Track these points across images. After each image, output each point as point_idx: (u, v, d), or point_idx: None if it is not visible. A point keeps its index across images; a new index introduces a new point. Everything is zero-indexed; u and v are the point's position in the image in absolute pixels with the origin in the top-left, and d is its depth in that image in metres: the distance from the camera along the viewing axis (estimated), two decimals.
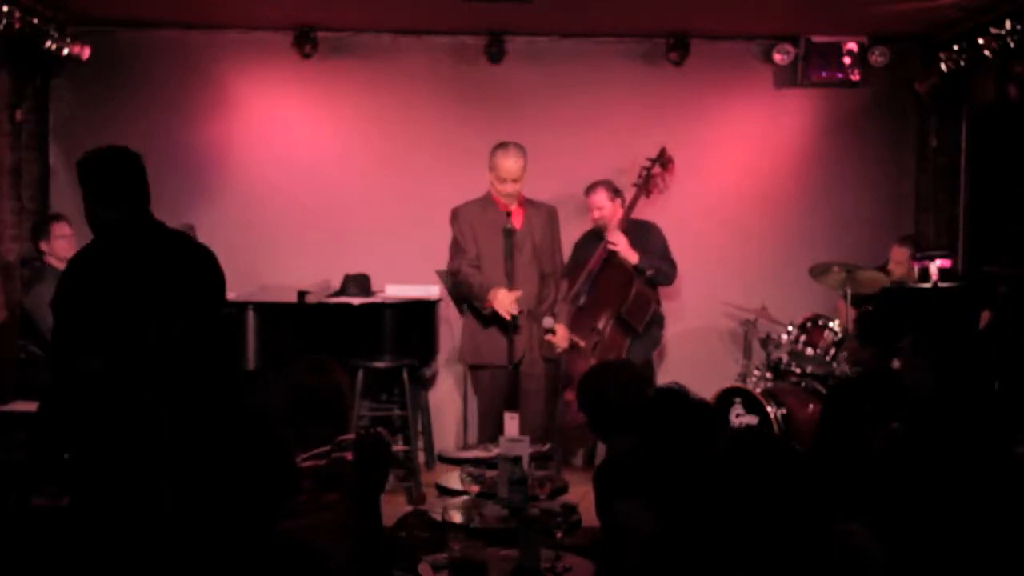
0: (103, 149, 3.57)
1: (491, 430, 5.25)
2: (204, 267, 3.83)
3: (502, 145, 5.38)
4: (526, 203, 5.49)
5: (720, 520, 2.51)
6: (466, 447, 5.36)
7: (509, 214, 5.24)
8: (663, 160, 6.46)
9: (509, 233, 5.19)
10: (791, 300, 6.56)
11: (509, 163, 5.32)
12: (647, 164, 6.44)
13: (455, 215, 5.47)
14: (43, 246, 5.96)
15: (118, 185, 3.53)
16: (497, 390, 5.35)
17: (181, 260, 3.69)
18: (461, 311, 6.07)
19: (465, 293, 5.45)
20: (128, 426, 3.32)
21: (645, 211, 6.44)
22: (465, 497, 3.95)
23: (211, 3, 6.36)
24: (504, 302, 5.16)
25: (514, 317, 5.16)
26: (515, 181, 5.33)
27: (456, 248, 5.46)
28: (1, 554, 3.71)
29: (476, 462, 4.29)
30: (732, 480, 2.48)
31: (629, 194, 6.35)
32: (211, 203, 6.84)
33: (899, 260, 6.27)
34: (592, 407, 3.75)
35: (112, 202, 3.51)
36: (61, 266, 5.81)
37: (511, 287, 5.16)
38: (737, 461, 2.52)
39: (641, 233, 6.21)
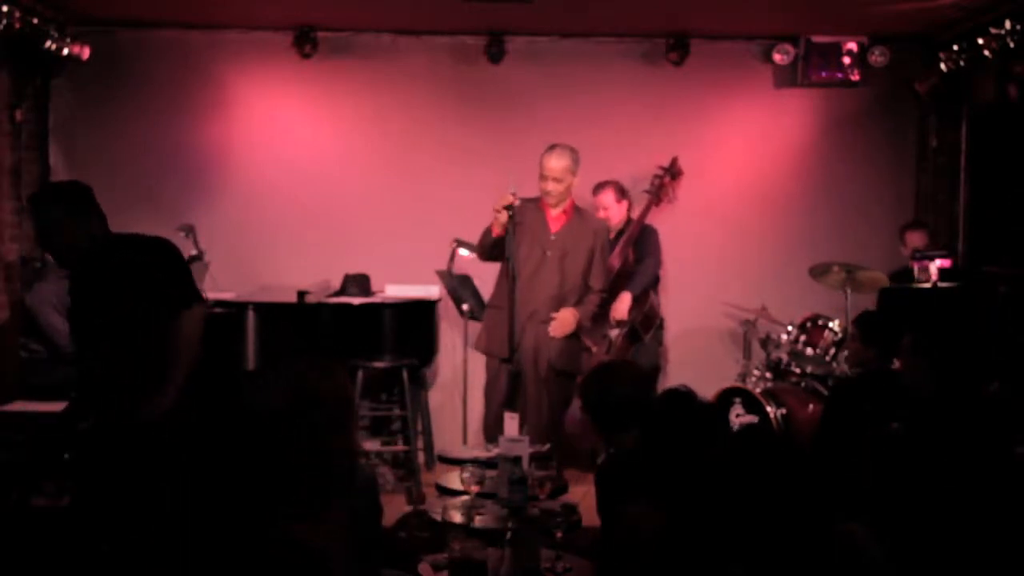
0: (62, 183, 4.17)
1: (491, 421, 5.27)
2: None
3: (552, 145, 5.44)
4: (575, 211, 5.51)
5: (724, 519, 2.52)
6: (466, 447, 5.37)
7: (513, 215, 5.15)
8: (673, 171, 6.53)
9: (510, 232, 5.16)
10: (791, 300, 6.56)
11: (550, 161, 5.39)
12: (659, 173, 6.50)
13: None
14: None
15: (95, 205, 3.91)
16: (496, 381, 5.40)
17: None
18: (461, 311, 6.08)
19: (486, 243, 5.36)
20: (128, 426, 3.32)
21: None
22: (465, 497, 3.95)
23: (211, 3, 6.36)
24: (501, 199, 5.13)
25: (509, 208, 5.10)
26: (556, 180, 5.38)
27: None
28: (1, 554, 3.71)
29: (476, 462, 4.29)
30: (735, 479, 2.48)
31: (640, 201, 6.40)
32: (211, 203, 6.84)
33: (917, 245, 6.33)
34: (594, 407, 3.75)
35: (101, 218, 3.89)
36: None
37: (513, 288, 5.13)
38: (740, 460, 2.52)
39: (641, 236, 6.26)
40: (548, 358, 5.42)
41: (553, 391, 5.47)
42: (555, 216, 5.48)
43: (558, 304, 5.45)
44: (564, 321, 5.43)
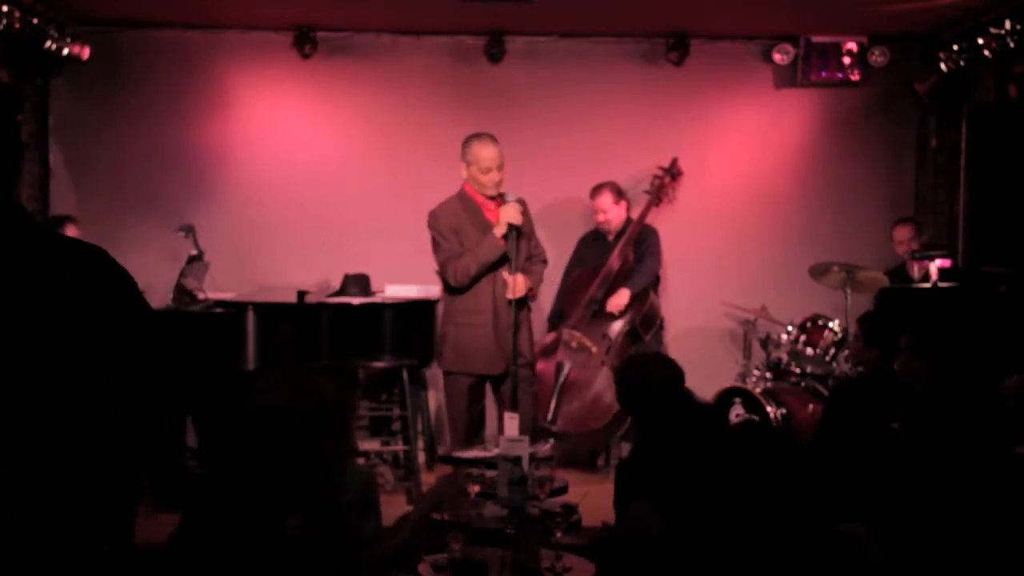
0: None
1: (468, 436, 5.20)
2: None
3: (476, 136, 5.26)
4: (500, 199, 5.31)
5: (724, 519, 2.51)
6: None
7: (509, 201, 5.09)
8: (673, 171, 6.54)
9: (516, 229, 5.08)
10: (791, 300, 6.56)
11: (490, 151, 5.19)
12: (659, 174, 6.50)
13: (435, 217, 5.28)
14: None
15: None
16: (477, 397, 5.31)
17: None
18: None
19: (490, 261, 5.19)
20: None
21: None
22: (465, 497, 3.94)
23: (211, 3, 6.36)
24: (508, 212, 5.03)
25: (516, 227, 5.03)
26: (500, 168, 5.20)
27: (439, 249, 5.29)
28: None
29: (476, 462, 4.29)
30: (735, 479, 2.48)
31: (639, 201, 6.39)
32: (211, 203, 6.84)
33: (902, 239, 6.39)
34: (631, 396, 3.75)
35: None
36: None
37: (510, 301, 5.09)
38: (740, 459, 2.52)
39: (641, 236, 6.27)
40: (524, 356, 5.28)
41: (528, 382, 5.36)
42: (491, 210, 5.27)
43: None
44: (517, 283, 5.12)
